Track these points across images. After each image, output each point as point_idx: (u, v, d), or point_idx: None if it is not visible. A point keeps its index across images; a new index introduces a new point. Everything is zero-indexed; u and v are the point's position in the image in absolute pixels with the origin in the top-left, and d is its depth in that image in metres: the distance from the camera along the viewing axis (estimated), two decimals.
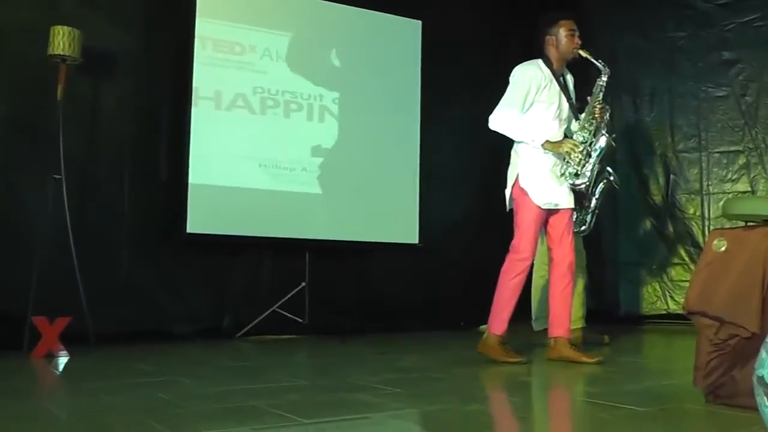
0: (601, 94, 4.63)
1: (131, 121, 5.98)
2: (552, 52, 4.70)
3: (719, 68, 7.70)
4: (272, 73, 6.43)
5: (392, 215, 6.96)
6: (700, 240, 7.53)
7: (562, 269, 4.67)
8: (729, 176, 7.54)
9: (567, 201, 4.65)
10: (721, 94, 7.65)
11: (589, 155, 4.53)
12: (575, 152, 4.49)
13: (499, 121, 4.59)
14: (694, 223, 7.63)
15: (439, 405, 3.13)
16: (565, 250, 4.67)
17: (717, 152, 7.62)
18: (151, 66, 6.08)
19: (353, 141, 6.81)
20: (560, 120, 4.65)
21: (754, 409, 2.66)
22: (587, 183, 4.55)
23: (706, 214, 7.57)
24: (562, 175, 4.55)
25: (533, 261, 4.66)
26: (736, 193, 7.42)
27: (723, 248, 3.08)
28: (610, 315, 7.68)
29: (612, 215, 7.84)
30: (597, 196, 5.20)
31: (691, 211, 7.67)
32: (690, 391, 3.19)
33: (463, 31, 7.57)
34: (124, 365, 4.47)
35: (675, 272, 7.66)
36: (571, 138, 4.60)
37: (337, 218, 6.64)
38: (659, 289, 7.71)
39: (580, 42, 4.67)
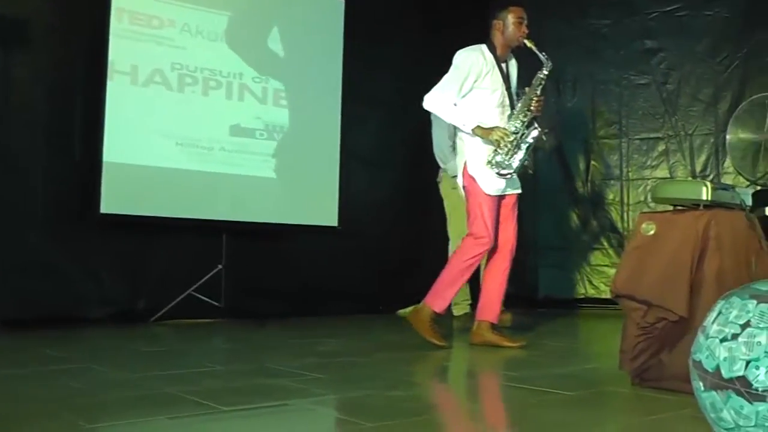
0: (540, 87, 4.54)
1: (43, 96, 5.66)
2: (497, 38, 4.62)
3: (641, 56, 7.80)
4: (191, 49, 6.20)
5: (312, 197, 6.82)
6: (620, 226, 7.62)
7: (503, 253, 4.63)
8: (649, 163, 7.64)
9: (514, 186, 4.62)
10: (642, 81, 7.74)
11: (518, 146, 4.43)
12: (504, 141, 4.41)
13: (433, 101, 4.53)
14: (613, 209, 7.72)
15: (362, 391, 3.04)
16: (508, 234, 4.63)
17: (637, 139, 7.71)
18: (66, 37, 5.77)
19: (273, 120, 6.63)
20: (503, 107, 4.58)
21: (682, 392, 2.65)
22: (512, 174, 4.47)
23: (626, 200, 7.66)
24: (489, 162, 4.46)
25: (492, 244, 4.56)
26: (655, 180, 7.51)
27: (652, 232, 3.06)
28: (530, 299, 7.73)
29: (532, 200, 7.81)
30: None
31: (611, 196, 7.75)
32: (616, 375, 3.17)
33: (387, 11, 7.45)
34: (34, 351, 4.25)
35: (594, 257, 7.74)
36: (504, 127, 4.51)
37: (255, 199, 6.47)
38: (578, 274, 7.78)
39: (527, 31, 4.58)
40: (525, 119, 4.48)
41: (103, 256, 5.89)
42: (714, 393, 1.78)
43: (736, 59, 7.43)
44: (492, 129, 4.43)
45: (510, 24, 4.57)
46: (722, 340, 1.78)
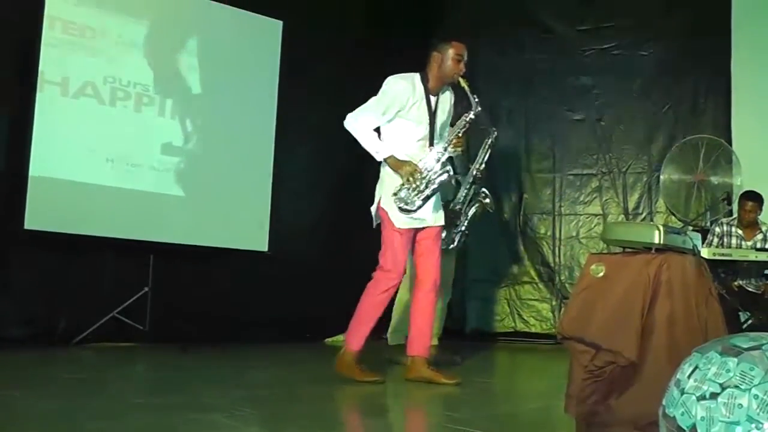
0: (462, 130, 4.46)
1: None
2: (433, 70, 4.48)
3: (576, 93, 7.87)
4: (125, 62, 6.03)
5: (242, 220, 6.69)
6: (551, 260, 7.64)
7: (426, 287, 4.51)
8: (581, 198, 7.70)
9: (432, 219, 4.48)
10: (577, 117, 7.81)
11: (427, 185, 4.33)
12: (414, 177, 4.31)
13: (352, 123, 4.41)
14: (545, 243, 7.74)
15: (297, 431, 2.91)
16: (430, 267, 4.51)
17: (571, 174, 7.76)
18: None
19: (206, 141, 6.50)
20: (425, 141, 4.44)
21: None
22: (414, 210, 4.36)
23: (557, 235, 7.69)
24: (394, 194, 4.34)
25: (401, 279, 4.48)
26: (587, 215, 7.58)
27: (601, 273, 3.00)
28: (458, 332, 7.65)
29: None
30: (468, 217, 5.23)
31: (543, 230, 7.78)
32: (561, 417, 3.09)
33: (323, 35, 7.37)
34: None
35: (524, 290, 7.74)
36: (417, 163, 4.39)
37: (185, 221, 6.31)
38: (507, 307, 7.77)
39: (464, 69, 4.46)
40: (441, 158, 4.39)
41: (23, 273, 5.70)
42: None
43: (670, 100, 7.57)
44: (404, 163, 4.33)
45: (449, 59, 4.43)
46: (699, 398, 1.71)
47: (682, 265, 2.98)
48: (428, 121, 4.43)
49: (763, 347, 1.75)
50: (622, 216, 7.50)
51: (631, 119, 7.65)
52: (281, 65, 6.94)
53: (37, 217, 5.52)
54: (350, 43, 7.72)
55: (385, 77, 4.52)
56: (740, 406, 1.65)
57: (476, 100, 4.45)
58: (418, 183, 4.30)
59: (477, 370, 5.50)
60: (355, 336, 4.39)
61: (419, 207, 4.33)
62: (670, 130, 7.51)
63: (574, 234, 7.61)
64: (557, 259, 7.61)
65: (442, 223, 4.58)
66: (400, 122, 4.40)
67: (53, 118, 5.61)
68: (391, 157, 4.33)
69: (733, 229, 6.22)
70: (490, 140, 5.39)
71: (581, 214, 7.64)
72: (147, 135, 6.15)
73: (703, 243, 5.98)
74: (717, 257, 5.54)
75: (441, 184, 4.37)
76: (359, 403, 3.88)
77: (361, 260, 6.69)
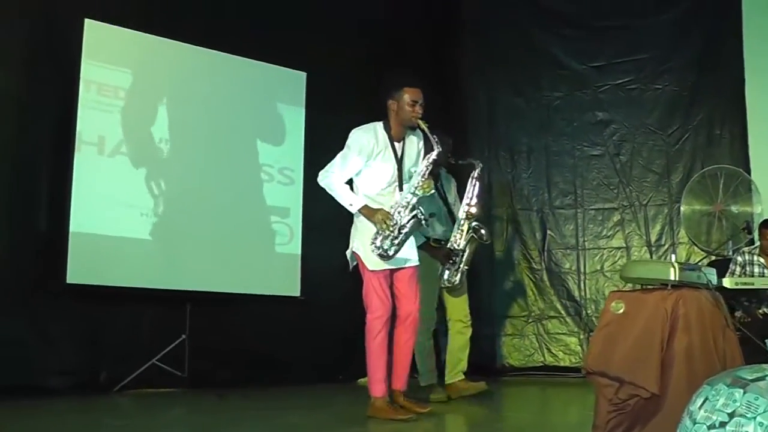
0: (427, 171, 4.55)
1: (10, 166, 5.73)
2: (392, 117, 4.61)
3: (594, 128, 8.02)
4: (157, 120, 6.29)
5: (274, 267, 6.90)
6: (576, 294, 7.74)
7: (405, 325, 4.65)
8: (604, 232, 7.82)
9: (404, 261, 4.60)
10: (596, 152, 7.95)
11: (399, 231, 4.44)
12: (387, 224, 4.42)
13: (325, 179, 4.59)
14: (570, 278, 7.86)
15: None
16: (408, 307, 4.64)
17: (592, 209, 7.89)
18: (34, 109, 5.84)
19: (236, 191, 6.74)
20: (394, 186, 4.59)
21: None
22: (391, 257, 4.48)
23: (582, 269, 7.81)
24: (372, 244, 4.47)
25: (388, 315, 4.57)
26: (611, 249, 7.69)
27: (621, 310, 3.16)
28: (488, 367, 7.76)
29: (489, 269, 7.99)
30: (466, 254, 5.40)
31: (567, 265, 7.89)
32: None
33: (345, 82, 7.57)
34: (5, 424, 4.22)
35: (552, 325, 7.84)
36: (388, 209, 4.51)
37: (219, 269, 6.51)
38: (536, 342, 7.87)
39: (420, 112, 4.56)
40: (410, 202, 4.49)
41: (66, 325, 5.90)
42: None
43: (687, 131, 7.70)
44: (376, 211, 4.45)
45: (404, 105, 4.53)
46: (710, 427, 1.86)
47: (698, 300, 3.14)
48: (396, 166, 4.57)
49: (767, 378, 1.90)
50: (645, 248, 7.62)
51: (650, 152, 7.79)
52: (306, 113, 7.19)
53: (78, 271, 5.75)
54: (371, 87, 7.89)
55: None
56: None
57: (436, 140, 4.52)
58: (391, 229, 4.41)
59: (508, 405, 5.63)
60: (375, 383, 4.53)
61: (395, 252, 4.46)
62: (688, 161, 7.63)
63: (598, 268, 7.72)
64: (583, 293, 7.72)
65: (416, 263, 4.68)
66: (368, 171, 4.55)
67: (91, 176, 5.87)
68: (365, 207, 4.47)
69: (755, 257, 6.31)
70: (476, 173, 5.57)
71: (604, 248, 7.77)
72: (179, 188, 6.38)
73: (725, 272, 6.10)
74: (739, 286, 5.62)
75: (412, 227, 4.47)
76: None
77: None
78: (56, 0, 6.00)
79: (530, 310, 7.97)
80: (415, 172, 4.63)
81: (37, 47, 5.91)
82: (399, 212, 4.46)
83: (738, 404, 1.85)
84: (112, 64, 6.08)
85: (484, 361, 7.74)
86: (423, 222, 4.48)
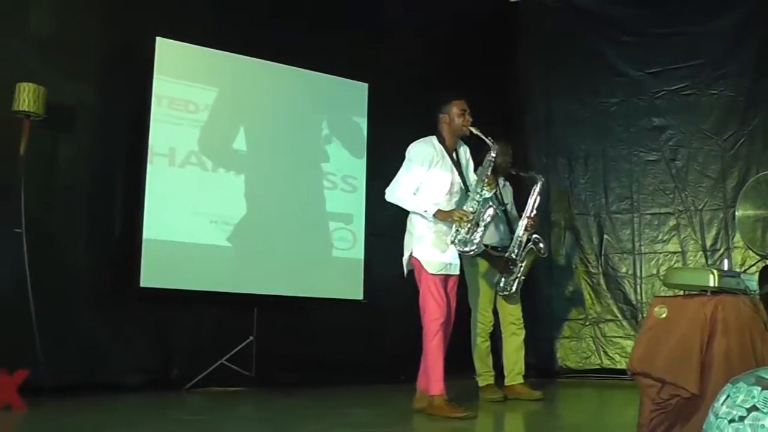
0: (489, 168, 4.99)
1: (88, 177, 6.10)
2: (445, 129, 5.06)
3: (650, 133, 8.10)
4: (224, 131, 6.59)
5: (338, 271, 7.15)
6: (633, 298, 7.84)
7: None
8: (660, 237, 7.90)
9: (454, 269, 4.99)
10: (652, 158, 8.04)
11: (477, 224, 4.83)
12: (464, 221, 4.78)
13: (394, 195, 4.98)
14: (626, 282, 7.95)
15: None
16: (450, 314, 4.98)
17: (648, 214, 7.98)
18: (108, 122, 6.21)
19: (301, 198, 7.01)
20: (452, 193, 4.98)
21: None
22: (475, 250, 4.89)
23: (638, 273, 7.90)
24: (453, 242, 4.84)
25: (444, 318, 4.87)
26: (666, 254, 7.78)
27: (664, 315, 3.33)
28: (547, 369, 7.92)
29: (547, 273, 8.13)
30: (524, 265, 5.68)
31: (624, 269, 7.99)
32: None
33: (405, 91, 7.76)
34: (85, 417, 4.56)
35: (608, 328, 7.94)
36: (462, 208, 4.90)
37: (285, 274, 6.78)
38: (593, 345, 7.98)
39: (471, 119, 5.02)
40: (480, 198, 4.88)
41: (139, 326, 6.25)
42: None
43: (742, 137, 7.73)
44: (452, 211, 4.84)
45: (454, 116, 5.01)
46: (730, 421, 2.05)
47: (737, 305, 3.30)
48: (457, 171, 4.98)
49: None
50: (701, 252, 7.69)
51: (705, 157, 7.84)
52: (368, 123, 7.44)
53: (151, 275, 6.07)
54: (431, 97, 8.08)
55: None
56: (763, 426, 1.99)
57: (491, 140, 4.98)
58: (470, 225, 4.79)
59: (565, 405, 5.80)
60: (435, 382, 4.79)
61: (479, 242, 4.84)
62: (743, 166, 7.67)
63: (654, 272, 7.80)
64: (639, 297, 7.81)
65: (458, 273, 5.05)
66: (429, 181, 4.93)
67: (162, 186, 6.19)
68: (439, 210, 4.82)
69: None
70: (538, 187, 5.94)
71: (660, 252, 7.85)
72: (246, 196, 6.66)
73: None
74: None
75: (491, 217, 4.87)
76: None
77: None
78: (130, 20, 6.34)
79: (587, 314, 8.09)
80: (471, 178, 5.01)
81: (112, 64, 6.27)
82: (473, 208, 4.83)
83: (756, 400, 2.04)
84: (182, 79, 6.40)
85: (543, 363, 7.91)
86: (499, 212, 4.81)
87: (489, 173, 4.96)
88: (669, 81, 8.09)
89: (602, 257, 8.10)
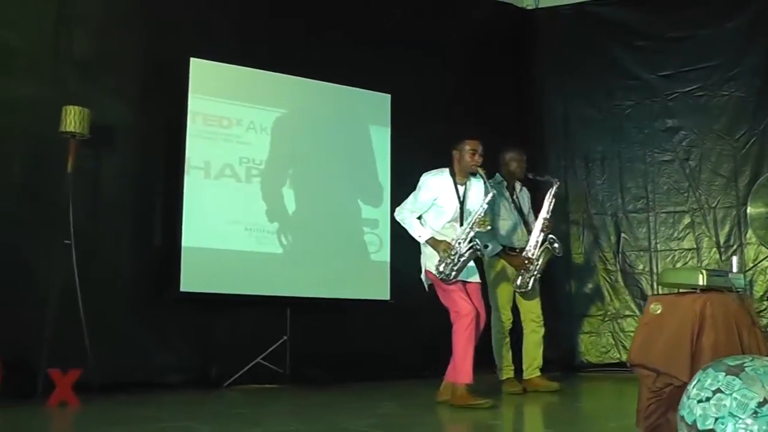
0: (482, 211, 5.33)
1: (130, 190, 6.56)
2: (456, 164, 5.49)
3: (664, 134, 8.40)
4: (255, 144, 6.99)
5: (366, 274, 7.52)
6: (650, 293, 8.10)
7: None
8: (675, 235, 8.19)
9: (473, 276, 5.48)
10: (666, 158, 8.33)
11: (459, 259, 5.23)
12: (447, 254, 5.23)
13: (400, 215, 5.53)
14: (643, 278, 8.26)
15: None
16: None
17: (664, 212, 8.28)
18: (148, 139, 6.66)
19: (329, 205, 7.37)
20: (456, 222, 5.42)
21: None
22: (451, 281, 5.26)
23: (654, 270, 8.18)
24: (436, 269, 5.27)
25: (474, 313, 5.26)
26: (682, 251, 8.07)
27: (659, 311, 3.68)
28: (567, 363, 8.25)
29: (567, 271, 8.45)
30: (540, 263, 6.07)
31: (641, 266, 8.30)
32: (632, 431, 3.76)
33: (426, 100, 8.08)
34: (132, 413, 4.94)
35: (626, 323, 8.23)
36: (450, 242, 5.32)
37: (316, 277, 7.14)
38: (612, 340, 8.28)
39: (479, 161, 5.40)
40: (465, 236, 5.27)
41: (180, 328, 6.65)
42: None
43: (753, 136, 7.99)
44: (440, 242, 5.28)
45: (465, 154, 5.41)
46: (699, 401, 2.41)
47: (724, 302, 3.63)
48: (458, 206, 5.43)
49: (745, 364, 2.44)
50: (715, 249, 7.96)
51: (718, 157, 8.11)
52: (392, 132, 7.78)
53: (190, 280, 6.48)
54: (450, 104, 8.42)
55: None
56: (725, 406, 2.35)
57: (491, 184, 5.41)
58: (452, 258, 5.22)
59: (579, 397, 6.14)
60: (462, 372, 5.18)
61: (456, 276, 5.27)
62: (755, 164, 7.92)
63: (670, 268, 8.06)
64: (656, 293, 8.07)
65: (479, 281, 5.55)
66: (435, 208, 5.45)
67: (199, 196, 6.60)
68: (431, 238, 5.34)
69: None
70: (553, 190, 6.35)
71: (676, 250, 8.13)
72: (278, 205, 7.05)
73: None
74: None
75: (470, 256, 5.27)
76: (470, 424, 4.61)
77: None
78: (165, 42, 6.80)
79: (606, 310, 8.39)
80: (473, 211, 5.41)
81: (150, 84, 6.71)
82: (459, 243, 5.26)
83: (720, 384, 2.40)
84: (215, 96, 6.80)
85: (564, 358, 8.23)
86: (479, 252, 5.26)
87: (482, 214, 5.31)
88: (681, 83, 8.38)
89: (620, 255, 8.41)
